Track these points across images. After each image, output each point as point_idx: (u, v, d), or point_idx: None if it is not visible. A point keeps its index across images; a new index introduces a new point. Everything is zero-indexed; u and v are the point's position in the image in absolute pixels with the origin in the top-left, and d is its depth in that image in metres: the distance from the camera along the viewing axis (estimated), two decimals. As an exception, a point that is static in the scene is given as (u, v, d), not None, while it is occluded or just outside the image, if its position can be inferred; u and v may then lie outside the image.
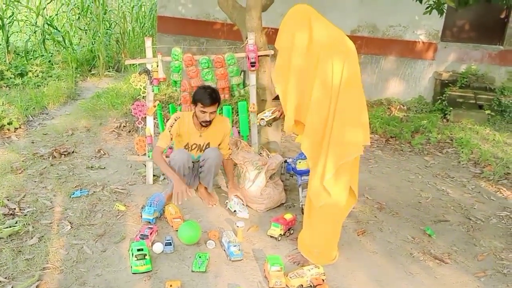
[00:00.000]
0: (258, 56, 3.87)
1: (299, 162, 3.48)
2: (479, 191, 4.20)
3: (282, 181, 3.72)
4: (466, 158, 4.96)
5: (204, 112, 3.24)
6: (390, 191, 4.06)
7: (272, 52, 4.01)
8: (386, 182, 4.26)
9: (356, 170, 2.71)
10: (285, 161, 3.72)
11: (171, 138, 3.36)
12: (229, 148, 3.62)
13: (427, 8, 4.46)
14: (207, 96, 3.21)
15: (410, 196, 3.99)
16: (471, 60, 7.02)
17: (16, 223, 2.95)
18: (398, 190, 4.10)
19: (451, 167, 4.82)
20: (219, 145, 3.52)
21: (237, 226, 3.06)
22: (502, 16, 6.99)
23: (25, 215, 3.09)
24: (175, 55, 3.81)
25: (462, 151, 5.13)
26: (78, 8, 9.42)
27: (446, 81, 6.86)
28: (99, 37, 8.65)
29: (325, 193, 2.56)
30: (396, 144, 5.43)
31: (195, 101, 3.28)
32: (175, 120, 3.35)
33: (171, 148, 3.90)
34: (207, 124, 3.33)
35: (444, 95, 6.71)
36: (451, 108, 6.55)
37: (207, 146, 3.49)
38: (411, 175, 4.50)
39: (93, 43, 8.63)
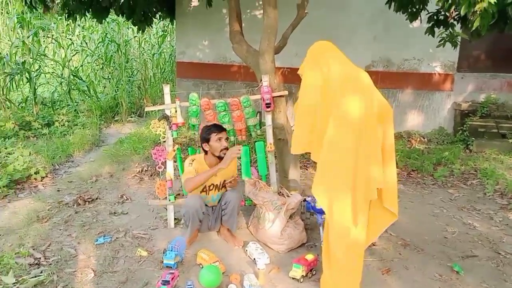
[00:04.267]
0: (273, 97, 3.95)
1: (319, 201, 3.47)
2: (507, 223, 4.07)
3: (302, 220, 3.69)
4: (492, 189, 4.84)
5: (220, 138, 3.43)
6: (414, 226, 3.97)
7: (286, 92, 4.09)
8: (409, 217, 4.17)
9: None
10: (305, 200, 3.71)
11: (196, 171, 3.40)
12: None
13: (440, 41, 4.49)
14: (214, 126, 3.53)
15: (435, 231, 3.89)
16: (490, 89, 6.98)
17: (41, 272, 3.00)
18: (422, 225, 4.01)
19: (477, 199, 4.70)
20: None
21: (258, 269, 3.03)
22: (518, 44, 6.97)
23: (50, 264, 3.14)
24: (192, 100, 3.92)
25: (487, 182, 5.01)
26: (102, 58, 9.86)
27: (466, 111, 6.81)
28: (121, 84, 8.99)
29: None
30: (418, 178, 5.35)
31: (207, 137, 3.45)
32: (192, 161, 3.46)
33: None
34: (225, 152, 3.42)
35: (465, 126, 6.65)
36: (473, 138, 6.46)
37: (223, 184, 3.58)
38: (436, 209, 4.40)
39: (116, 90, 8.97)
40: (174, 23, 8.10)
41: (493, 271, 3.21)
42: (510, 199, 4.61)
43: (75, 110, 8.10)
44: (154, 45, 11.48)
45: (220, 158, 3.45)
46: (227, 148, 3.46)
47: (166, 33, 11.87)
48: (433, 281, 3.05)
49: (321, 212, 3.41)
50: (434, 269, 3.20)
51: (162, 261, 3.14)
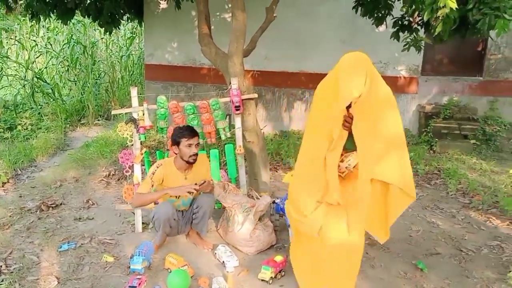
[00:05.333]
0: (242, 99, 3.96)
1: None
2: (468, 221, 4.21)
3: (271, 222, 3.70)
4: (454, 189, 5.00)
5: (190, 144, 3.28)
6: (380, 226, 4.05)
7: (256, 95, 4.10)
8: (376, 217, 4.25)
9: None
10: (274, 202, 3.73)
11: (152, 185, 3.29)
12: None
13: (405, 45, 4.62)
14: (187, 130, 3.34)
15: (401, 230, 3.98)
16: (453, 92, 7.23)
17: (2, 281, 2.90)
18: (388, 224, 4.09)
19: (440, 198, 4.85)
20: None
21: (227, 272, 3.03)
22: (479, 48, 7.25)
23: (12, 272, 3.03)
24: (161, 103, 3.88)
25: (450, 182, 5.17)
26: (67, 60, 9.62)
27: (430, 113, 7.02)
28: (88, 87, 8.79)
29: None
30: (385, 178, 5.45)
31: (177, 140, 3.31)
32: (157, 167, 3.33)
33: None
34: (195, 158, 3.33)
35: (428, 127, 6.85)
36: (436, 139, 6.66)
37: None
38: (401, 209, 4.50)
39: (83, 93, 8.76)
40: (143, 25, 8.00)
41: (456, 268, 3.31)
42: (472, 198, 4.77)
43: (39, 113, 7.84)
44: (122, 47, 11.29)
45: (189, 163, 3.37)
46: (196, 154, 3.34)
47: (134, 35, 11.70)
48: (398, 278, 3.12)
49: (290, 213, 3.43)
50: (399, 267, 3.28)
51: (129, 267, 3.08)
